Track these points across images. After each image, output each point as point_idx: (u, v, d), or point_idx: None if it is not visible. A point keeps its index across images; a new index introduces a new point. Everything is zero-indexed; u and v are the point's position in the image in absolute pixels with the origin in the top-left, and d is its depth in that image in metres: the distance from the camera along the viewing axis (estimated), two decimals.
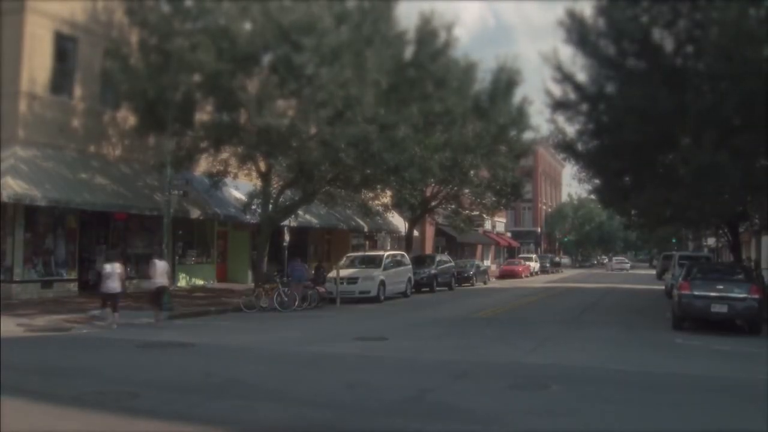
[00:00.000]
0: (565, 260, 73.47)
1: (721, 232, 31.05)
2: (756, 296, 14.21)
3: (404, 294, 24.38)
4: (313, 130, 19.06)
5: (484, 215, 39.25)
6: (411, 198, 28.33)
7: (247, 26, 16.32)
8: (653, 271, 53.31)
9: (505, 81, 27.29)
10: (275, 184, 21.77)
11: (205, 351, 10.99)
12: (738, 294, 14.30)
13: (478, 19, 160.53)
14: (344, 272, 21.88)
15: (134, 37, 18.70)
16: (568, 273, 58.93)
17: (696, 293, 14.51)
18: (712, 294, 14.38)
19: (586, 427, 6.53)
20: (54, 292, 18.77)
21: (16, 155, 17.53)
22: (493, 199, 33.05)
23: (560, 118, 18.53)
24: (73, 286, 19.67)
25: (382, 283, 22.37)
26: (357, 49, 17.33)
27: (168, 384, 8.14)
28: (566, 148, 19.90)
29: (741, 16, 12.32)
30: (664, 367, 10.15)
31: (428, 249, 40.00)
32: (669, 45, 14.52)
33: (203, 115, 19.03)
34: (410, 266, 25.70)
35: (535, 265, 51.31)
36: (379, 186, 24.63)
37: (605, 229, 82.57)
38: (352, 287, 21.38)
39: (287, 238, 22.12)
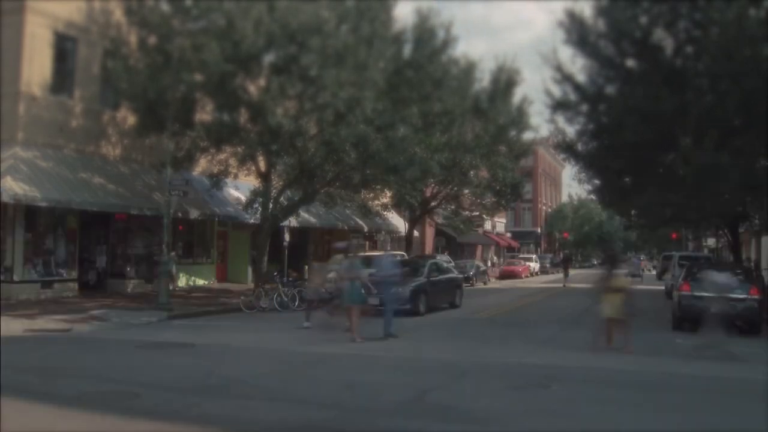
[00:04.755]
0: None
1: (721, 232, 31.05)
2: (756, 297, 14.21)
3: None
4: (313, 131, 19.09)
5: (484, 216, 39.23)
6: (411, 198, 28.32)
7: (250, 26, 16.31)
8: (653, 272, 53.36)
9: (505, 81, 27.29)
10: (275, 183, 21.78)
11: (205, 351, 10.98)
12: (738, 295, 14.28)
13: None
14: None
15: (133, 37, 18.70)
16: None
17: (696, 294, 14.51)
18: (712, 295, 14.35)
19: (586, 427, 6.53)
20: (54, 292, 18.77)
21: (16, 156, 17.52)
22: (493, 199, 33.02)
23: (560, 119, 18.54)
24: (74, 286, 19.68)
25: None
26: (358, 50, 17.34)
27: (168, 384, 8.14)
28: (566, 148, 19.88)
29: (741, 16, 12.32)
30: (664, 367, 10.15)
31: (428, 249, 39.98)
32: (669, 45, 14.52)
33: (203, 115, 19.03)
34: None
35: (535, 266, 51.36)
36: (378, 186, 24.63)
37: (605, 230, 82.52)
38: None
39: (287, 237, 22.12)
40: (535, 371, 9.53)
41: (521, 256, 58.37)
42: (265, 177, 21.05)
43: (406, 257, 26.37)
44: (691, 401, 7.85)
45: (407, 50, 20.49)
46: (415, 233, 34.98)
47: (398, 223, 35.27)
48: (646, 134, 14.47)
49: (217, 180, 21.53)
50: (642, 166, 17.29)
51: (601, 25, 15.01)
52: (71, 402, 7.06)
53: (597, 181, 24.02)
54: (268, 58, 17.65)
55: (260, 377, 8.72)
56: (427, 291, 18.32)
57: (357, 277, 12.70)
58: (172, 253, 19.02)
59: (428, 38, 20.60)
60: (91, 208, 18.57)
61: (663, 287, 28.61)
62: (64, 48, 19.27)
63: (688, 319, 14.89)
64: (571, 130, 19.24)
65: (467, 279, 33.81)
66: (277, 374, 9.09)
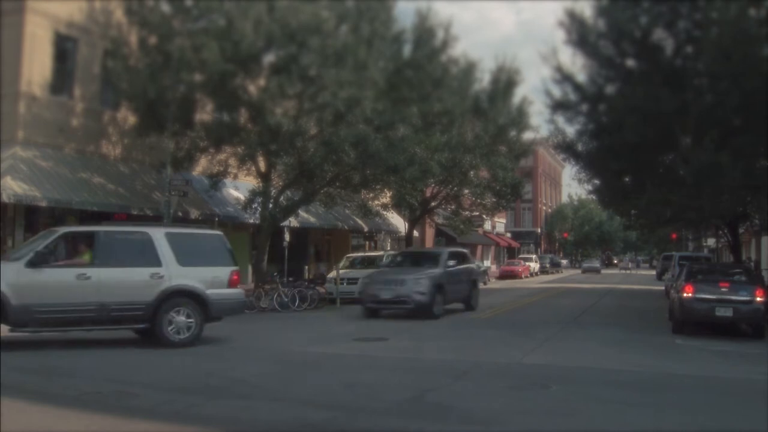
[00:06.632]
0: (564, 262, 73.38)
1: (721, 232, 31.04)
2: (761, 299, 13.83)
3: None
4: (313, 131, 19.10)
5: (484, 216, 39.23)
6: (411, 198, 28.32)
7: (250, 26, 16.31)
8: (653, 272, 53.43)
9: (505, 81, 27.26)
10: (275, 183, 21.78)
11: (205, 351, 10.98)
12: (743, 297, 13.77)
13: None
14: (344, 273, 21.86)
15: (134, 37, 18.70)
16: (567, 273, 59.00)
17: (699, 296, 13.93)
18: (716, 297, 13.88)
19: (586, 427, 6.53)
20: None
21: (16, 155, 17.52)
22: (493, 199, 33.01)
23: (560, 119, 18.53)
24: None
25: None
26: (358, 50, 17.35)
27: (168, 384, 8.14)
28: (566, 148, 19.87)
29: (741, 16, 12.31)
30: (664, 367, 10.15)
31: None
32: (669, 45, 14.51)
33: (203, 115, 19.04)
34: None
35: (534, 266, 51.38)
36: (378, 186, 24.63)
37: (605, 230, 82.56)
38: (352, 288, 21.36)
39: (287, 237, 22.12)
40: (535, 371, 9.53)
41: (521, 256, 58.42)
42: (264, 177, 21.05)
43: None
44: (691, 401, 7.85)
45: (407, 50, 20.50)
46: (415, 233, 34.97)
47: (398, 223, 35.26)
48: (646, 134, 14.45)
49: (216, 180, 21.53)
50: (642, 166, 17.29)
51: (601, 25, 14.99)
52: (71, 402, 7.06)
53: (597, 181, 24.01)
54: (268, 58, 17.65)
55: (260, 377, 8.73)
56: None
57: None
58: None
59: (428, 38, 20.60)
60: (91, 207, 18.55)
61: (663, 288, 28.66)
62: (64, 48, 19.26)
63: (690, 322, 14.41)
64: (571, 130, 19.24)
65: None
66: (277, 374, 9.09)
